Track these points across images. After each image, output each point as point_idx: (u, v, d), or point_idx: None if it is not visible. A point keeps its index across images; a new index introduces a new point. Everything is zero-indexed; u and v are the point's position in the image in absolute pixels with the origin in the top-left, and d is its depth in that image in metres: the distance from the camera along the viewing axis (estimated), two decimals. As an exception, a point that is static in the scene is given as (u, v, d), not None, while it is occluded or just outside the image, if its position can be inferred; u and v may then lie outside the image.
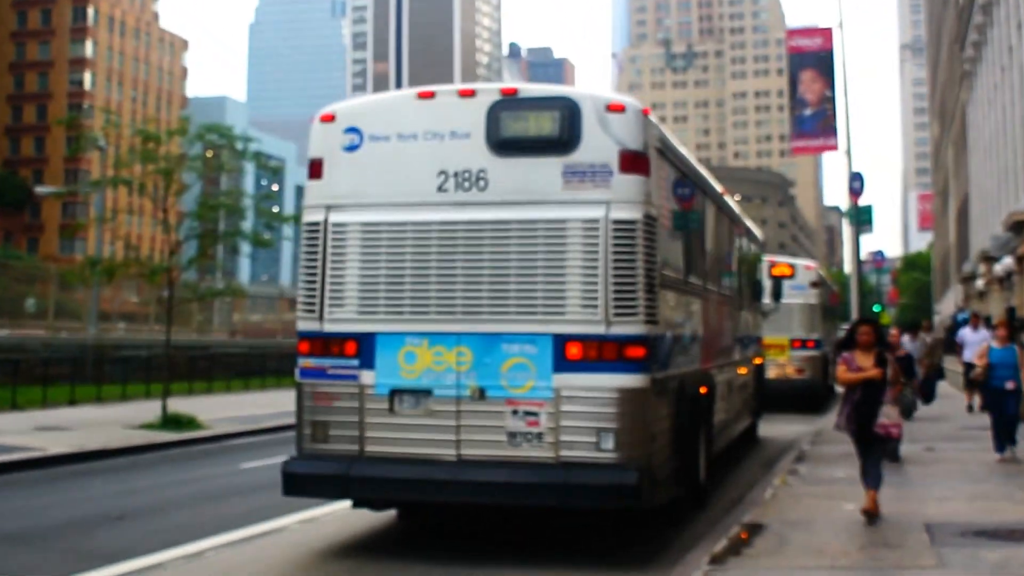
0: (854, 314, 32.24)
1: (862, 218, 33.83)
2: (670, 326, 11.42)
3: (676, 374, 11.61)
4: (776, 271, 25.89)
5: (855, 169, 27.55)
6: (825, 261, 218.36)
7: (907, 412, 20.48)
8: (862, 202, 34.14)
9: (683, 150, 12.60)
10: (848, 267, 39.88)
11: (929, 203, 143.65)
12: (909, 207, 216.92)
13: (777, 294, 22.16)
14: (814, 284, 30.21)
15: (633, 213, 10.53)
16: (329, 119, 11.37)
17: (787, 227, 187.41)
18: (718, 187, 15.49)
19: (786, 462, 16.62)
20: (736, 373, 17.04)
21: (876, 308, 68.88)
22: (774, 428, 23.69)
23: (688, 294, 12.61)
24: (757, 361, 20.71)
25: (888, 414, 11.51)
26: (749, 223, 19.37)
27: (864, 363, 11.65)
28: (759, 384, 20.90)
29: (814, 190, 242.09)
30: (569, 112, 10.73)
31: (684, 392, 11.99)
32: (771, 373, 28.41)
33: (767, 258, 27.72)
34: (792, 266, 28.99)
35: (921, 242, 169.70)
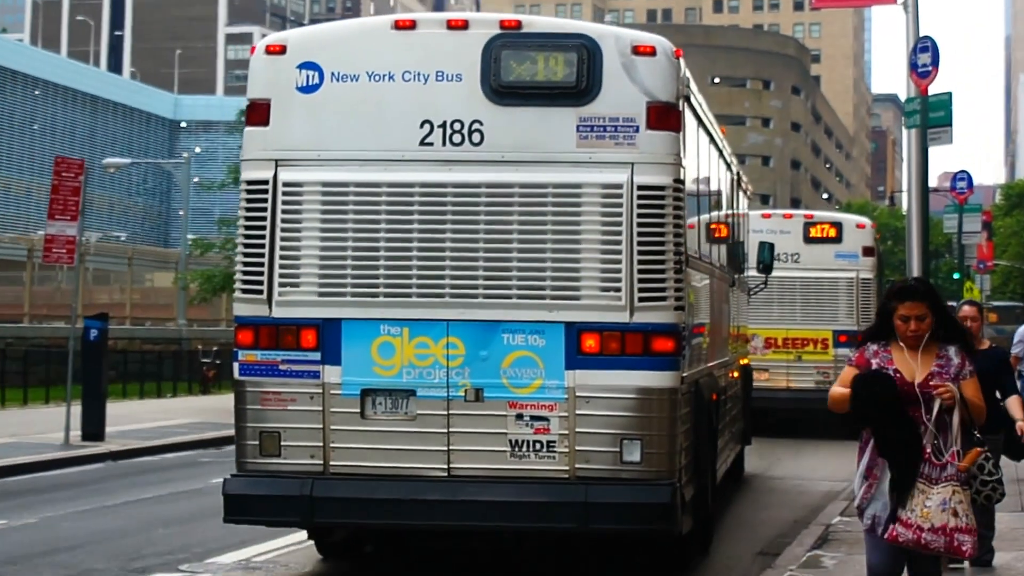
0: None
1: (934, 115, 18.59)
2: (690, 314, 9.70)
3: (692, 375, 9.90)
4: (816, 231, 22.42)
5: (924, 34, 18.37)
6: (868, 190, 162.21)
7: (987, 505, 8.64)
8: (935, 88, 18.87)
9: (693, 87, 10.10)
10: (906, 203, 19.82)
11: None
12: (1019, 103, 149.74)
13: (767, 264, 16.95)
14: (868, 250, 23.16)
15: (662, 177, 9.03)
16: (278, 50, 9.35)
17: (805, 131, 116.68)
18: (716, 125, 12.51)
19: (799, 546, 10.97)
20: (730, 377, 14.07)
21: (955, 275, 47.25)
22: (800, 464, 18.43)
23: (701, 273, 10.81)
24: (744, 361, 16.78)
25: (954, 508, 6.15)
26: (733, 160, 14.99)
27: (906, 368, 6.44)
28: (747, 395, 16.92)
29: (853, 69, 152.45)
30: (587, 53, 9.08)
31: (701, 398, 10.28)
32: (807, 381, 22.14)
33: (802, 212, 23.50)
34: (836, 225, 23.28)
35: None
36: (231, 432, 9.52)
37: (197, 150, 73.58)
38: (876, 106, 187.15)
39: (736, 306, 15.32)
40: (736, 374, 15.10)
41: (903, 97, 19.42)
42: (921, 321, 6.49)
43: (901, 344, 6.55)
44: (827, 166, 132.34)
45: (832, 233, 23.01)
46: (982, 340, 9.46)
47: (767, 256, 16.95)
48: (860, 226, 24.01)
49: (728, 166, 14.16)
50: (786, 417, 22.15)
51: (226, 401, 30.35)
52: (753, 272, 17.10)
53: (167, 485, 16.38)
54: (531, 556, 10.84)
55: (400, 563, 10.81)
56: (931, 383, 6.39)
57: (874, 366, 6.52)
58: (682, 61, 9.43)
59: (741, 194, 16.01)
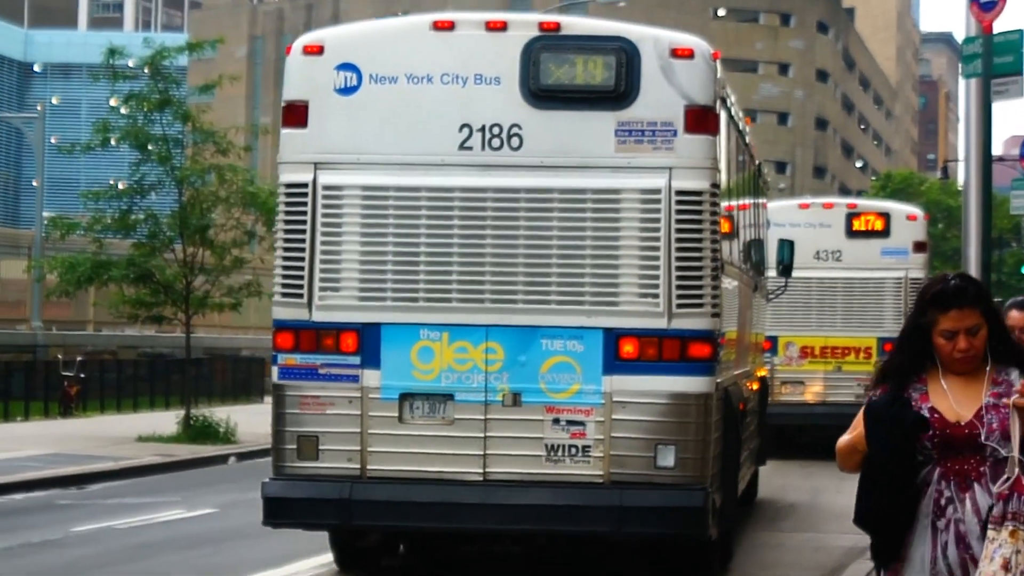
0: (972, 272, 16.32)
1: (1000, 60, 17.85)
2: (723, 321, 11.91)
3: (723, 382, 12.09)
4: (860, 224, 24.29)
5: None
6: (914, 157, 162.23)
7: None
8: (1001, 26, 18.31)
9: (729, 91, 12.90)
10: (963, 175, 20.27)
11: None
12: None
13: (786, 265, 19.21)
14: (919, 246, 24.74)
15: (700, 182, 11.12)
16: (316, 51, 11.45)
17: (834, 81, 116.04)
18: (742, 118, 15.17)
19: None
20: (750, 388, 16.39)
21: None
22: (817, 509, 18.50)
23: (729, 278, 12.79)
24: (761, 372, 18.90)
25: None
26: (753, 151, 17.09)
27: (945, 407, 5.64)
28: (763, 410, 19.01)
29: (897, 1, 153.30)
30: (626, 56, 11.19)
31: (730, 406, 12.47)
32: (848, 394, 23.40)
33: (845, 202, 26.04)
34: (884, 216, 24.92)
35: None
36: (99, 467, 10.89)
37: (55, 101, 73.02)
38: (926, 49, 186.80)
39: (756, 313, 17.29)
40: (755, 386, 17.14)
41: (960, 37, 19.46)
42: (973, 335, 5.65)
43: (940, 373, 5.68)
44: (862, 127, 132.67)
45: (879, 226, 24.53)
46: None
47: (786, 255, 19.01)
48: (911, 217, 25.46)
49: (752, 160, 16.26)
50: (821, 435, 22.59)
51: (94, 426, 30.25)
52: (772, 272, 19.09)
53: (14, 535, 16.23)
54: (559, 561, 13.34)
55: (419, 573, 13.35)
56: (989, 415, 5.55)
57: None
58: (719, 63, 11.72)
59: (762, 187, 18.30)
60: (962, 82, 19.39)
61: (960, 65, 19.15)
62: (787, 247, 19.22)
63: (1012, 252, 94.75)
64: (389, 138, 11.36)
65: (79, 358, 35.88)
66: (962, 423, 5.58)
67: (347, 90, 11.36)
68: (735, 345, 13.80)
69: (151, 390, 37.13)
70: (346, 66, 11.39)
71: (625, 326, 11.12)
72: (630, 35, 11.40)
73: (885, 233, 24.44)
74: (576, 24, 11.75)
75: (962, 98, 19.73)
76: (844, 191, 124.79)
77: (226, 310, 29.51)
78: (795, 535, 16.90)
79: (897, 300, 23.96)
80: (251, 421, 29.93)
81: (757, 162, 17.54)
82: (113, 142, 28.64)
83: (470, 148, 11.27)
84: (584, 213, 11.21)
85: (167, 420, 28.41)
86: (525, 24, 11.47)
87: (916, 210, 26.18)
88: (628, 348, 11.11)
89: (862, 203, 26.44)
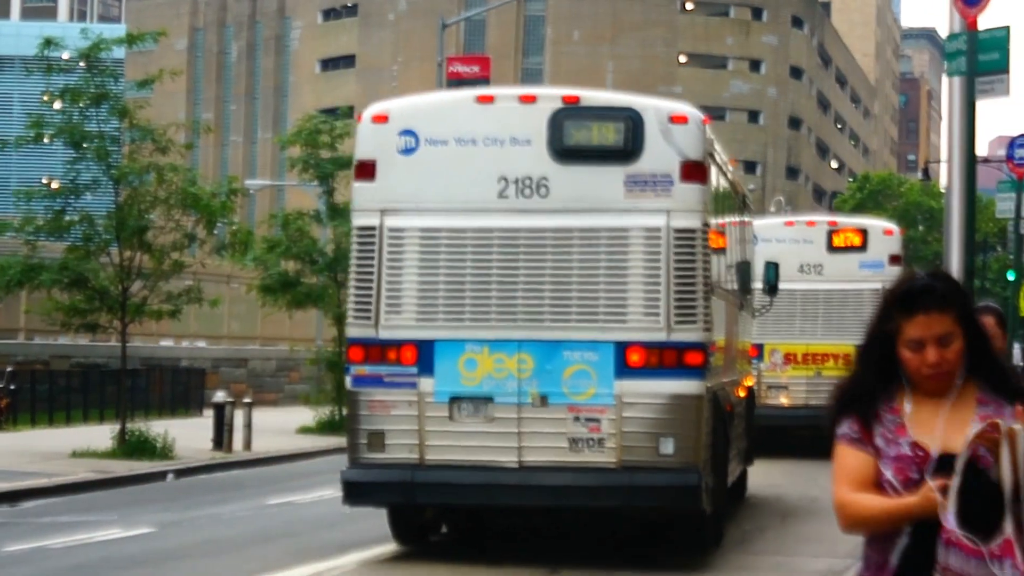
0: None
1: (985, 57, 18.16)
2: (711, 329, 15.13)
3: (712, 387, 15.30)
4: (839, 240, 28.11)
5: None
6: (893, 158, 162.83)
7: None
8: (985, 23, 18.69)
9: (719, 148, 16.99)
10: (945, 177, 25.92)
11: None
12: None
13: (772, 285, 22.86)
14: (895, 259, 28.33)
15: (693, 222, 14.46)
16: (382, 119, 15.13)
17: (809, 78, 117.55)
18: (734, 177, 19.61)
19: None
20: (736, 394, 19.52)
21: (1010, 274, 47.80)
22: (789, 529, 18.89)
23: (718, 298, 16.02)
24: (748, 381, 22.10)
25: None
26: (744, 188, 22.15)
27: (930, 441, 4.83)
28: (751, 414, 22.20)
29: None
30: (633, 122, 14.71)
31: (719, 406, 15.94)
32: (822, 399, 24.60)
33: (826, 220, 29.95)
34: (863, 232, 28.83)
35: None
36: (31, 483, 11.42)
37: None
38: (907, 45, 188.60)
39: (742, 328, 20.46)
40: (742, 393, 20.42)
41: (943, 33, 19.62)
42: (945, 346, 4.81)
43: (910, 393, 4.89)
44: (838, 126, 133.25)
45: (857, 241, 28.42)
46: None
47: (772, 277, 22.67)
48: (887, 232, 29.21)
49: (736, 194, 19.85)
50: (803, 435, 25.98)
51: (26, 441, 30.24)
52: (759, 288, 22.61)
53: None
54: (577, 537, 17.05)
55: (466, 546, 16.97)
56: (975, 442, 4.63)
57: (880, 446, 4.84)
58: (708, 126, 15.25)
59: (747, 212, 21.60)
60: (945, 80, 19.52)
61: (944, 62, 19.28)
62: (773, 269, 22.76)
63: (997, 257, 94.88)
64: (441, 189, 14.89)
65: (9, 368, 35.64)
66: (937, 453, 4.74)
67: (407, 151, 14.95)
68: (723, 355, 16.99)
69: (85, 403, 36.92)
70: (407, 132, 14.97)
71: (632, 339, 14.37)
72: (636, 105, 15.03)
73: (863, 248, 28.03)
74: (592, 97, 15.51)
75: (945, 97, 19.88)
76: (818, 192, 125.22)
77: (165, 318, 29.41)
78: (765, 557, 17.02)
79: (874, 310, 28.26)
80: (190, 436, 29.87)
81: (741, 194, 20.96)
82: (46, 139, 28.52)
83: (507, 196, 14.79)
84: (599, 248, 14.62)
85: (102, 434, 28.27)
86: (551, 97, 15.17)
87: (891, 225, 30.01)
88: (635, 357, 14.34)
89: (842, 220, 30.32)
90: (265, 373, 47.75)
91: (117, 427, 27.80)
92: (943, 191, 24.54)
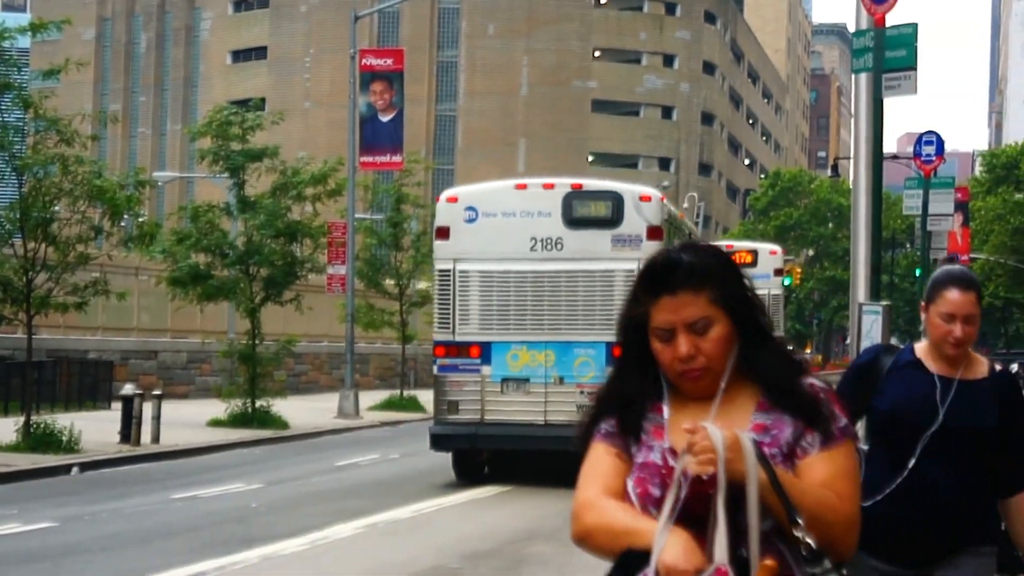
0: (859, 293, 18.27)
1: (892, 55, 18.22)
2: None
3: None
4: (735, 259, 37.78)
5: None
6: (803, 155, 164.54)
7: None
8: (895, 19, 18.82)
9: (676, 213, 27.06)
10: (853, 173, 20.03)
11: None
12: (1009, 41, 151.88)
13: None
14: (779, 272, 38.92)
15: None
16: (454, 200, 23.46)
17: (722, 74, 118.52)
18: (687, 223, 30.44)
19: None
20: None
21: (918, 271, 48.71)
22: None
23: None
24: None
25: None
26: (691, 225, 32.26)
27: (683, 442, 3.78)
28: None
29: None
30: (616, 202, 23.05)
31: None
32: None
33: (726, 244, 40.04)
34: (753, 252, 39.66)
35: None
36: None
37: None
38: (818, 41, 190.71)
39: None
40: None
41: (853, 30, 19.66)
42: (700, 333, 3.86)
43: (670, 393, 3.99)
44: (750, 122, 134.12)
45: (748, 259, 37.90)
46: (974, 356, 6.54)
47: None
48: (772, 252, 39.94)
49: (691, 238, 27.71)
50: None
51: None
52: None
53: None
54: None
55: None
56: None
57: (640, 461, 3.89)
58: (666, 201, 24.16)
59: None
60: (854, 77, 19.56)
61: (852, 59, 19.39)
62: None
63: (906, 254, 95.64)
64: (493, 246, 22.80)
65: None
66: (704, 478, 3.65)
67: (470, 220, 23.07)
68: None
69: (-11, 396, 36.53)
70: (470, 208, 23.18)
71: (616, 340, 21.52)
72: (618, 190, 23.65)
73: (753, 264, 37.51)
74: (591, 184, 24.09)
75: (855, 94, 19.91)
76: (731, 190, 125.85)
77: (71, 310, 29.08)
78: None
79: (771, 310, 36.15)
80: (97, 429, 29.57)
81: (688, 233, 28.23)
82: (-52, 129, 28.12)
83: (536, 250, 22.86)
84: (595, 283, 22.78)
85: (6, 427, 27.94)
86: (564, 185, 23.48)
87: (775, 247, 39.47)
88: (620, 352, 20.31)
89: (737, 244, 41.33)
90: (176, 366, 47.33)
91: (22, 420, 27.46)
92: (852, 188, 24.32)
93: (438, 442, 23.45)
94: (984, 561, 6.45)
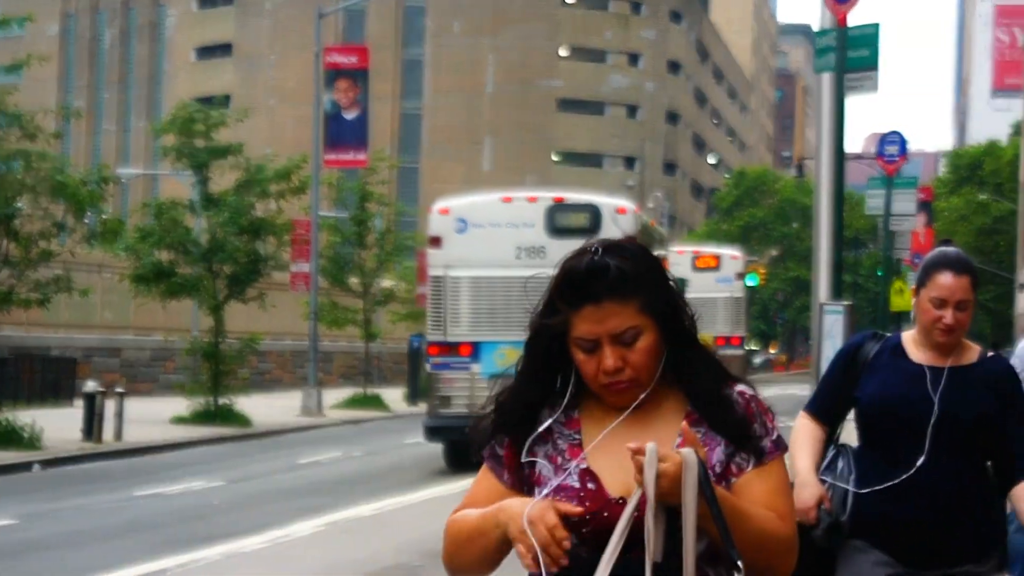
0: (821, 293, 18.13)
1: (855, 54, 18.52)
2: None
3: None
4: (701, 263, 42.29)
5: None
6: (769, 154, 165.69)
7: None
8: (857, 18, 19.19)
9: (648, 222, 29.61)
10: (816, 173, 20.04)
11: (1021, 25, 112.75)
12: (974, 40, 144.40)
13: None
14: (740, 275, 43.09)
15: None
16: (446, 212, 25.52)
17: (687, 73, 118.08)
18: (658, 230, 34.08)
19: None
20: None
21: (880, 272, 49.42)
22: None
23: None
24: None
25: None
26: (663, 232, 35.70)
27: (607, 471, 3.50)
28: None
29: None
30: (594, 213, 25.11)
31: None
32: None
33: (691, 249, 44.81)
34: (717, 257, 43.60)
35: (995, 124, 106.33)
36: None
37: None
38: (784, 41, 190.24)
39: None
40: None
41: (815, 27, 19.76)
42: (628, 344, 3.52)
43: (591, 405, 3.63)
44: (715, 121, 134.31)
45: (713, 263, 42.06)
46: (965, 343, 6.15)
47: (682, 289, 37.58)
48: (734, 257, 43.90)
49: (662, 243, 31.54)
50: None
51: None
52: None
53: None
54: None
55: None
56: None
57: (542, 472, 3.58)
58: (640, 213, 28.58)
59: (665, 251, 33.74)
60: (817, 76, 19.67)
61: (814, 58, 19.49)
62: (682, 283, 37.22)
63: (870, 253, 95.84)
64: (482, 253, 24.66)
65: None
66: (627, 500, 3.36)
67: (461, 231, 25.03)
68: None
69: (-49, 392, 36.39)
70: (461, 219, 25.19)
71: None
72: (597, 203, 25.91)
73: (717, 268, 41.90)
74: (571, 197, 26.22)
75: (817, 93, 20.03)
76: (696, 188, 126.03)
77: (33, 307, 29.00)
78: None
79: (727, 312, 41.18)
80: (60, 426, 29.48)
81: (659, 240, 31.35)
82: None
83: (520, 258, 24.58)
84: None
85: (-33, 425, 27.84)
86: (546, 198, 25.69)
87: (738, 252, 44.45)
88: None
89: (703, 249, 47.27)
90: (139, 363, 47.22)
91: (-17, 417, 27.37)
92: (814, 187, 25.17)
93: (432, 434, 25.31)
94: None
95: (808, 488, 6.02)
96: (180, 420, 35.03)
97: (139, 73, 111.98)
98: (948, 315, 5.85)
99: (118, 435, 29.23)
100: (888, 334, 6.28)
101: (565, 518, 3.34)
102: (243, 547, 16.17)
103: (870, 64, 18.88)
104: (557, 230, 24.79)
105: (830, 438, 6.24)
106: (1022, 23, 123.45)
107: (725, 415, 3.54)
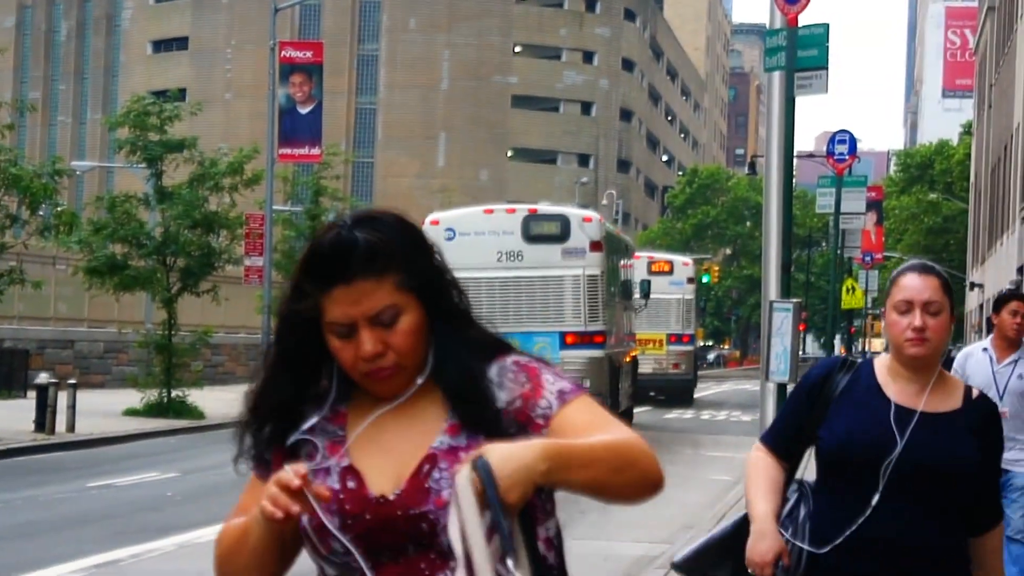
0: (771, 290, 17.27)
1: (804, 54, 18.32)
2: (610, 323, 32.08)
3: (609, 354, 31.62)
4: (656, 267, 46.95)
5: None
6: (722, 152, 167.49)
7: None
8: (808, 18, 18.68)
9: (613, 230, 36.07)
10: (766, 172, 18.94)
11: (972, 27, 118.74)
12: (925, 41, 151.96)
13: (646, 294, 40.50)
14: (691, 280, 47.98)
15: (596, 271, 30.92)
16: (436, 223, 29.52)
17: (641, 71, 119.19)
18: (623, 237, 39.68)
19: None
20: (624, 360, 35.30)
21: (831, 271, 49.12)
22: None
23: (612, 307, 33.05)
24: (634, 352, 38.57)
25: None
26: (628, 239, 41.93)
27: (372, 468, 3.17)
28: (635, 372, 38.83)
29: None
30: (565, 222, 31.00)
31: (613, 364, 32.21)
32: (648, 367, 44.36)
33: (647, 255, 48.47)
34: (670, 262, 48.09)
35: (946, 124, 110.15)
36: None
37: None
38: (737, 40, 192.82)
39: (627, 322, 37.50)
40: (628, 359, 36.67)
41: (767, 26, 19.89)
42: (388, 326, 3.19)
43: (355, 396, 3.29)
44: (668, 119, 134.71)
45: (667, 268, 46.89)
46: (947, 379, 5.48)
47: (646, 289, 40.59)
48: (686, 263, 48.85)
49: (624, 247, 37.51)
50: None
51: None
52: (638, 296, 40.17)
53: None
54: None
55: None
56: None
57: (316, 488, 3.04)
58: (604, 222, 33.78)
59: (630, 256, 39.13)
60: (767, 75, 19.79)
61: (764, 58, 19.63)
62: (647, 284, 41.08)
63: (822, 252, 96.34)
64: (467, 258, 26.11)
65: None
66: (391, 497, 3.11)
67: (449, 239, 28.46)
68: (615, 337, 33.37)
69: (-97, 384, 36.25)
70: (449, 229, 29.44)
71: (567, 329, 30.48)
72: (567, 213, 31.65)
73: (671, 272, 46.79)
74: (545, 209, 31.82)
75: (767, 92, 20.20)
76: (649, 187, 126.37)
77: (-14, 298, 28.95)
78: (585, 542, 17.23)
79: (678, 312, 47.19)
80: (12, 417, 29.44)
81: (625, 245, 37.67)
82: None
83: (501, 261, 29.79)
84: (548, 286, 30.37)
85: (-81, 416, 27.77)
86: (523, 210, 30.92)
87: (689, 259, 48.97)
88: (569, 339, 30.33)
89: (658, 255, 50.01)
90: (92, 355, 47.09)
91: (-65, 409, 27.30)
92: (764, 185, 24.81)
93: None
94: None
95: (767, 540, 5.37)
96: (133, 412, 34.98)
97: (95, 65, 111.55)
98: (916, 317, 5.12)
99: (71, 427, 29.19)
100: (859, 360, 5.56)
101: (342, 523, 3.08)
102: (197, 538, 16.18)
103: (819, 64, 18.85)
104: (532, 237, 29.90)
105: (790, 476, 5.57)
106: (973, 25, 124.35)
107: (480, 413, 3.19)
